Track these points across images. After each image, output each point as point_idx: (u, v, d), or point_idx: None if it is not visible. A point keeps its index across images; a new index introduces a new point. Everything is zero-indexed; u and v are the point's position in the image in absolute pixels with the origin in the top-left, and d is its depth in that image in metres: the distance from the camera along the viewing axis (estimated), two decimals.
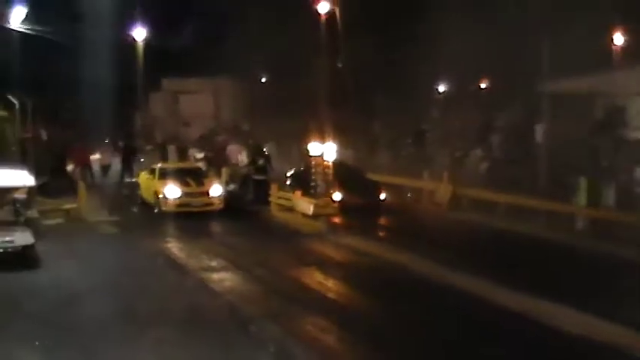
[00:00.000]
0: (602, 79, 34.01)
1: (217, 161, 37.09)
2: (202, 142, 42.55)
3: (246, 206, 31.41)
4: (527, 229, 25.75)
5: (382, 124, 44.32)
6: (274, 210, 30.18)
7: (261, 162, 33.51)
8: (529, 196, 28.19)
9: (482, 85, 52.37)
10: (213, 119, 53.93)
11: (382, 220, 28.52)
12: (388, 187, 31.99)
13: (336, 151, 30.47)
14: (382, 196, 30.84)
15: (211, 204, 28.61)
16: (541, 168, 31.95)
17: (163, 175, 29.55)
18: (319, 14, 41.98)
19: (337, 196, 29.04)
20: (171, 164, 34.04)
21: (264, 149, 36.77)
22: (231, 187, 33.64)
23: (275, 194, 30.68)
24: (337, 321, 15.35)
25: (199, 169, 33.21)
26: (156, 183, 29.15)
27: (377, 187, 31.36)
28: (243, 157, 36.33)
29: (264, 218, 28.96)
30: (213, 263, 21.00)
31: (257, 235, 25.57)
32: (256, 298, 17.42)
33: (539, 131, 34.97)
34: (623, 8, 32.46)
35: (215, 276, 19.49)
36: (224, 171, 35.28)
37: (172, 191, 28.10)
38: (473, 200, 30.35)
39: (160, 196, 28.27)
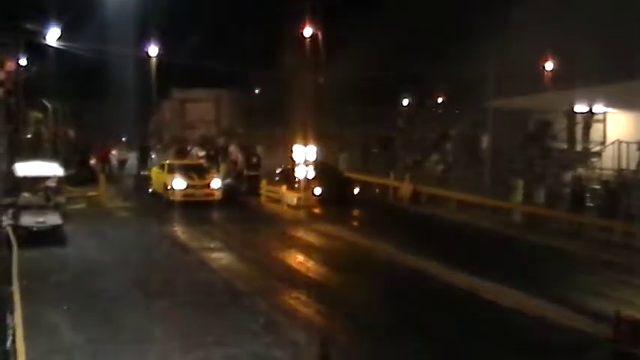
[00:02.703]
0: (534, 98, 34.36)
1: (216, 159, 37.22)
2: (204, 143, 42.49)
3: (240, 197, 31.31)
4: (474, 221, 25.91)
5: (356, 131, 44.32)
6: (264, 201, 30.14)
7: (253, 160, 33.77)
8: (475, 194, 28.43)
9: (439, 100, 52.49)
10: (213, 124, 53.88)
11: (353, 211, 28.45)
12: (359, 184, 31.95)
13: (316, 153, 30.61)
14: (356, 190, 30.83)
15: (212, 195, 28.44)
16: (485, 171, 32.23)
17: (171, 170, 29.26)
18: (304, 38, 42.25)
19: (318, 190, 29.01)
20: (178, 161, 33.28)
21: (256, 150, 36.99)
22: (228, 180, 33.66)
23: (264, 187, 30.73)
24: (315, 294, 15.50)
25: (202, 165, 32.78)
26: (165, 176, 28.96)
27: (351, 184, 31.34)
28: (240, 156, 36.40)
29: (255, 207, 29.02)
30: (211, 244, 21.17)
31: (248, 222, 25.65)
32: (247, 275, 17.54)
33: (484, 141, 35.32)
34: (552, 40, 32.73)
35: (212, 255, 19.64)
36: (222, 167, 35.38)
37: (179, 183, 27.90)
38: (430, 196, 30.50)
39: (169, 187, 28.09)
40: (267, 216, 27.32)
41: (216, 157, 37.50)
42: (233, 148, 38.11)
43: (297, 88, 44.23)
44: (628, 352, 11.97)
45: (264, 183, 30.99)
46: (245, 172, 33.18)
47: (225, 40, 46.61)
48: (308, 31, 41.98)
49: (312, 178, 29.55)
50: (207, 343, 11.97)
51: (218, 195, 28.65)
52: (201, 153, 39.21)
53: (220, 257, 19.44)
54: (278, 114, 44.76)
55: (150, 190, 31.02)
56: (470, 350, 12.41)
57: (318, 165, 31.08)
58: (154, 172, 31.36)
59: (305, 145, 30.11)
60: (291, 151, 30.79)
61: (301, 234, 23.37)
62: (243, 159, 34.95)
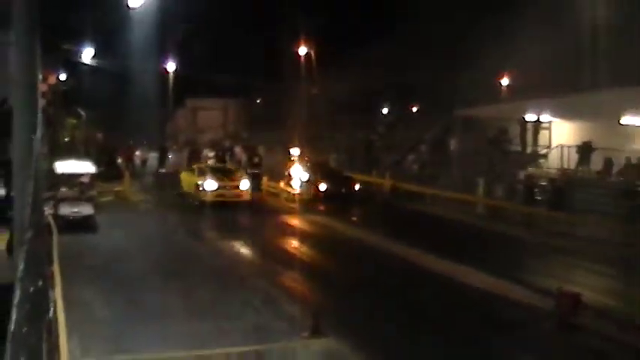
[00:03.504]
0: (494, 108, 34.77)
1: (223, 158, 37.33)
2: (213, 145, 42.50)
3: None
4: (445, 213, 26.01)
5: (344, 135, 44.37)
6: (265, 195, 30.06)
7: (255, 160, 33.86)
8: (446, 190, 28.60)
9: (414, 109, 52.57)
10: (221, 129, 53.89)
11: (341, 204, 28.51)
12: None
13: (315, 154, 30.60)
14: (356, 187, 29.97)
15: (241, 195, 26.45)
16: (454, 170, 32.40)
17: (202, 172, 27.18)
18: (299, 55, 42.57)
19: (322, 186, 28.72)
20: (208, 164, 30.99)
21: (258, 151, 37.09)
22: None
23: (265, 183, 30.77)
24: (308, 276, 15.73)
25: (231, 167, 30.73)
26: (196, 178, 26.78)
27: (352, 181, 30.32)
28: (243, 156, 36.50)
29: (257, 201, 28.98)
30: (219, 234, 21.30)
31: (251, 213, 25.78)
32: (250, 259, 17.73)
33: (452, 144, 35.56)
34: (510, 57, 33.05)
35: (221, 241, 19.82)
36: (228, 164, 35.58)
37: (211, 184, 25.93)
38: (407, 192, 30.60)
39: (200, 188, 26.05)
40: (267, 208, 27.33)
41: (223, 157, 37.61)
42: (238, 150, 38.27)
43: (293, 98, 44.42)
44: (569, 322, 12.23)
45: (264, 179, 31.03)
46: (248, 170, 33.21)
47: (232, 56, 46.49)
48: (302, 50, 42.44)
49: (317, 176, 29.32)
50: (218, 316, 12.15)
51: (247, 196, 26.70)
52: (211, 154, 39.25)
53: (227, 243, 19.61)
54: (277, 120, 44.88)
55: (179, 191, 28.67)
56: (430, 315, 12.66)
57: (320, 164, 31.07)
58: (184, 175, 29.19)
59: (300, 148, 30.18)
60: (289, 153, 30.86)
61: (296, 223, 23.48)
62: (246, 158, 35.09)
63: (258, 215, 25.36)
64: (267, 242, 20.00)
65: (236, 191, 26.52)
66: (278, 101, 48.60)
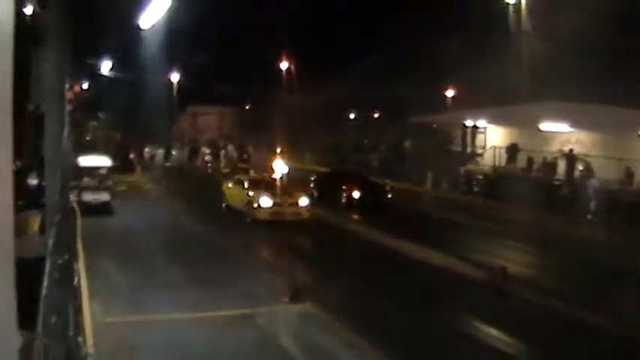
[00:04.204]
0: (441, 116, 35.07)
1: (218, 155, 37.22)
2: (210, 144, 42.20)
3: None
4: (401, 202, 25.90)
5: (317, 137, 44.21)
6: None
7: (245, 156, 33.83)
8: (401, 182, 28.60)
9: (376, 115, 52.59)
10: (217, 131, 53.52)
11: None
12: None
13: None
14: (389, 195, 24.40)
15: (300, 213, 19.49)
16: (408, 166, 32.53)
17: (254, 186, 20.63)
18: (281, 69, 42.74)
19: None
20: (257, 176, 23.21)
21: (248, 149, 37.06)
22: (225, 170, 33.76)
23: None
24: (286, 249, 15.64)
25: (283, 180, 21.63)
26: (246, 192, 20.26)
27: (383, 189, 24.58)
28: (235, 153, 36.42)
29: None
30: (214, 214, 21.09)
31: None
32: (241, 237, 17.61)
33: (407, 144, 35.76)
34: (455, 71, 33.34)
35: (215, 221, 19.61)
36: (222, 159, 35.64)
37: (266, 201, 19.32)
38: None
39: (255, 205, 19.36)
40: None
41: (218, 154, 37.51)
42: (230, 148, 38.25)
43: (276, 106, 44.33)
44: (499, 291, 12.35)
45: (252, 172, 30.66)
46: (238, 165, 33.18)
47: (227, 68, 46.31)
48: (284, 65, 42.60)
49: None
50: (215, 283, 12.12)
51: (307, 214, 19.70)
52: (208, 151, 39.12)
53: (221, 224, 19.37)
54: (263, 124, 44.74)
55: (224, 205, 21.91)
56: (384, 283, 12.72)
57: (352, 174, 25.97)
58: (229, 187, 22.19)
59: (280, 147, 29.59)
60: (274, 151, 30.73)
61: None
62: (237, 155, 35.04)
63: None
64: (252, 224, 19.33)
65: (296, 209, 19.58)
66: (264, 108, 48.47)
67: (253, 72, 45.25)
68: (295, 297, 10.97)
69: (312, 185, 25.02)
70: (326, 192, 24.20)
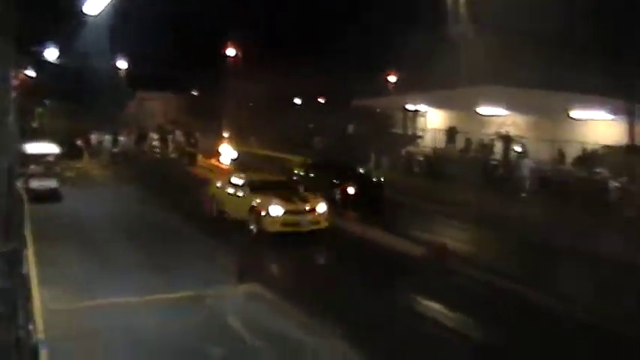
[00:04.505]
0: (383, 100, 35.39)
1: (166, 140, 36.69)
2: (157, 129, 41.36)
3: (182, 167, 30.23)
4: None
5: (263, 122, 43.84)
6: (199, 170, 28.53)
7: (192, 141, 33.41)
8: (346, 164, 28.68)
9: (321, 100, 52.51)
10: (163, 116, 52.58)
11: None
12: (272, 161, 29.58)
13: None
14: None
15: (318, 222, 15.36)
16: (352, 148, 32.56)
17: (259, 189, 16.07)
18: (229, 56, 42.20)
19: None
20: (261, 176, 18.41)
21: (195, 134, 36.53)
22: (174, 155, 33.18)
23: (200, 160, 30.27)
24: (232, 229, 15.48)
25: (295, 182, 19.58)
26: (249, 198, 15.68)
27: (381, 186, 21.28)
28: (182, 139, 35.92)
29: (192, 174, 27.94)
30: (160, 198, 20.33)
31: (190, 184, 24.27)
32: (190, 219, 17.34)
33: (350, 127, 35.91)
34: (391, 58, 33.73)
35: (163, 202, 18.99)
36: (170, 145, 35.28)
37: (277, 210, 14.97)
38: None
39: (263, 213, 14.96)
40: (202, 180, 26.66)
41: (166, 139, 36.91)
42: (178, 133, 37.69)
43: (223, 92, 43.83)
44: (440, 267, 12.65)
45: (200, 157, 30.50)
46: (186, 149, 32.74)
47: (175, 55, 45.32)
48: (231, 51, 42.04)
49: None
50: (170, 267, 11.98)
51: (325, 223, 15.54)
52: (156, 136, 38.43)
53: (169, 204, 18.80)
54: (211, 110, 44.19)
55: (214, 213, 17.39)
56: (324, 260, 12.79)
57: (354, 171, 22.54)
58: (222, 191, 17.32)
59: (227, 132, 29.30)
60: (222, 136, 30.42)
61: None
62: (184, 140, 34.60)
63: (196, 186, 23.05)
64: (201, 206, 18.57)
65: (313, 217, 15.43)
66: (212, 95, 47.88)
67: (202, 59, 44.58)
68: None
69: (294, 179, 21.43)
70: (313, 188, 18.42)
